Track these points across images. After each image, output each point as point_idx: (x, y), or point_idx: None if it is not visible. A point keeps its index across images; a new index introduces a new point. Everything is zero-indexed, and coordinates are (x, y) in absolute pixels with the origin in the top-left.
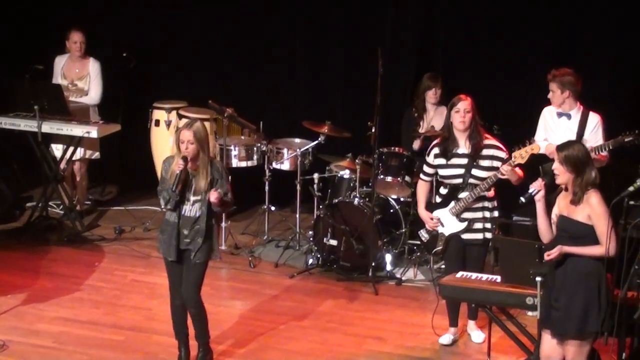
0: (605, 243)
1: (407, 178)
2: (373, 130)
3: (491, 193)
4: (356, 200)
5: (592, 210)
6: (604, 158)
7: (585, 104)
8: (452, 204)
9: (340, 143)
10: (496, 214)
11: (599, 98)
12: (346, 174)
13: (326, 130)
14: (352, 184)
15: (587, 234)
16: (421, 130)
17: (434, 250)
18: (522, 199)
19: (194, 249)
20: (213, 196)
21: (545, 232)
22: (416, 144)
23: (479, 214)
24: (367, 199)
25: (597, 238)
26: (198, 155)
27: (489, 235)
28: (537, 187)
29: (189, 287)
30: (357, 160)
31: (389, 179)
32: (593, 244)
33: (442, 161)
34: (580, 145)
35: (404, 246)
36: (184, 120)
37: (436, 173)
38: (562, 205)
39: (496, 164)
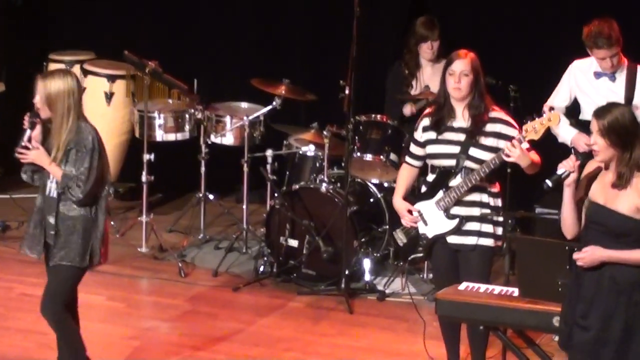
0: None
1: (392, 156)
2: (347, 91)
3: (495, 186)
4: (324, 186)
5: None
6: None
7: (630, 57)
8: (440, 193)
9: (302, 109)
10: (499, 216)
11: None
12: (310, 150)
13: (283, 92)
14: (318, 164)
15: (630, 231)
16: (413, 92)
17: (412, 257)
18: (548, 183)
19: (53, 245)
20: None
21: (571, 226)
22: (407, 109)
23: (474, 211)
24: (338, 185)
25: None
26: (50, 117)
27: (485, 242)
28: (568, 168)
29: (45, 295)
30: (325, 132)
31: (369, 157)
32: (637, 245)
33: (432, 135)
34: (627, 110)
35: (388, 248)
36: (91, 78)
37: (426, 156)
38: (597, 189)
39: (502, 144)
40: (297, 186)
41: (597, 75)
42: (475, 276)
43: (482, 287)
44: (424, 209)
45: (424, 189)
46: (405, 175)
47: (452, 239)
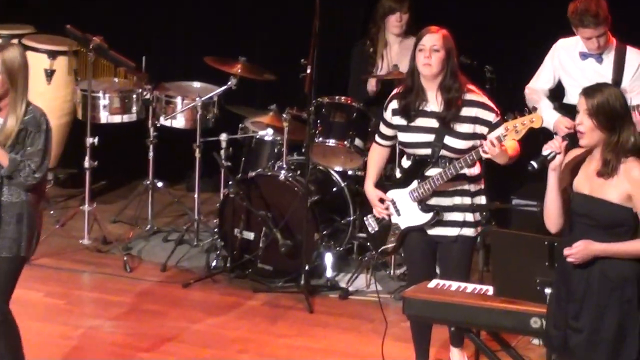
0: None
1: (357, 142)
2: (308, 71)
3: (474, 169)
4: (282, 174)
5: (635, 185)
6: None
7: (619, 37)
8: (415, 184)
9: (259, 89)
10: (482, 200)
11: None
12: (268, 134)
13: (239, 71)
14: (276, 150)
15: (622, 221)
16: (379, 72)
17: (382, 248)
18: (534, 164)
19: None
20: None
21: (554, 217)
22: (370, 86)
23: (454, 200)
24: (298, 172)
25: (636, 227)
26: (7, 93)
27: (468, 231)
28: (554, 149)
29: None
30: (284, 115)
31: (332, 142)
32: (628, 236)
33: (402, 121)
34: (616, 91)
35: (352, 242)
36: (30, 54)
37: (398, 142)
38: (581, 179)
39: (480, 129)
40: (253, 173)
41: (583, 55)
42: (456, 268)
43: (454, 284)
44: (397, 198)
45: (398, 174)
46: (375, 158)
47: (433, 230)
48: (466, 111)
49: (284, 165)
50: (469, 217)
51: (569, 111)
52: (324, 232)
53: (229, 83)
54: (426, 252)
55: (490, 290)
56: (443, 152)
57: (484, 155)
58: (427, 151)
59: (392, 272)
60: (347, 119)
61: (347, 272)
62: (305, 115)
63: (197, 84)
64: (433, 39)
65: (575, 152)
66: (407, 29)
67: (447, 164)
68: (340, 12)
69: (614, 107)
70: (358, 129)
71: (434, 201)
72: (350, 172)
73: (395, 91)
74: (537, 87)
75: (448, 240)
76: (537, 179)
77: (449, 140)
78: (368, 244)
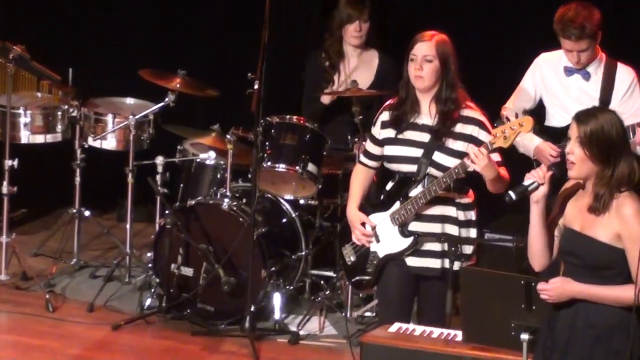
0: (636, 280)
1: (310, 167)
2: (256, 86)
3: (466, 196)
4: (226, 203)
5: (625, 225)
6: None
7: (609, 53)
8: (397, 205)
9: (201, 107)
10: (471, 232)
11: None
12: (210, 158)
13: (178, 86)
14: (219, 175)
15: (610, 263)
16: (336, 87)
17: (356, 278)
18: (512, 195)
19: None
20: None
21: (538, 255)
22: (325, 98)
23: (436, 227)
24: (244, 201)
25: (628, 271)
26: None
27: (455, 266)
28: (536, 179)
29: None
30: (228, 136)
31: (282, 167)
32: (619, 280)
33: (390, 133)
34: (613, 117)
35: (304, 280)
36: None
37: (383, 157)
38: (573, 213)
39: (473, 149)
40: (193, 202)
41: (568, 71)
42: (438, 310)
43: (419, 329)
44: (378, 222)
45: (382, 198)
46: (359, 179)
47: (412, 261)
48: (462, 128)
49: (228, 193)
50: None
51: (552, 135)
52: (272, 269)
53: (167, 99)
54: (404, 289)
55: (459, 335)
56: (430, 170)
57: (470, 167)
58: (413, 168)
59: (348, 313)
60: (299, 141)
61: (297, 313)
62: (252, 137)
63: (130, 101)
64: (425, 47)
65: (569, 183)
66: (368, 39)
67: (431, 183)
68: (293, 21)
69: (610, 135)
70: (311, 153)
71: (414, 226)
72: (302, 202)
73: (387, 102)
74: (516, 108)
75: (430, 274)
76: (513, 210)
77: (438, 156)
78: (341, 274)
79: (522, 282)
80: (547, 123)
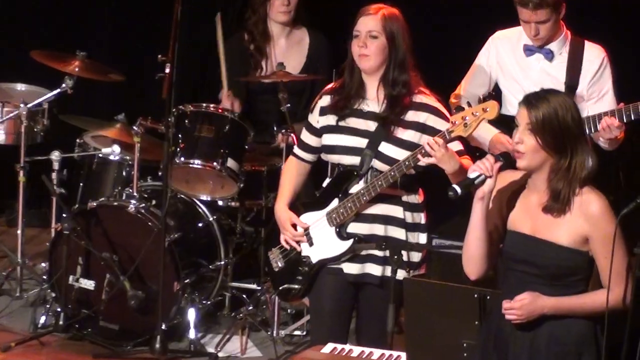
0: (608, 285)
1: (230, 163)
2: (167, 70)
3: (414, 196)
4: (132, 205)
5: (594, 225)
6: (618, 131)
7: (574, 30)
8: (335, 202)
9: (103, 94)
10: (421, 238)
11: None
12: (114, 153)
13: (77, 70)
14: (125, 173)
15: (575, 269)
16: (262, 73)
17: (284, 287)
18: (457, 189)
19: None
20: None
21: (476, 260)
22: (225, 101)
23: (378, 228)
24: (153, 202)
25: (590, 275)
26: None
27: (398, 273)
28: (484, 171)
29: None
30: (135, 128)
31: (197, 164)
32: (582, 286)
33: (331, 120)
34: (566, 100)
35: (223, 293)
36: None
37: (321, 148)
38: (519, 214)
39: (426, 140)
40: (94, 204)
41: (529, 50)
42: (379, 326)
43: (356, 349)
44: (312, 223)
45: (317, 195)
46: (291, 173)
47: (349, 268)
48: (413, 115)
49: (135, 194)
50: (405, 255)
51: (509, 125)
52: (187, 281)
53: (64, 85)
54: (341, 301)
55: (402, 357)
56: (375, 163)
57: (425, 160)
58: (356, 160)
59: (274, 332)
60: (218, 133)
61: (216, 332)
62: (162, 128)
63: (21, 87)
64: (370, 22)
65: (511, 176)
66: (297, 15)
67: (376, 177)
68: None
69: (565, 121)
70: (232, 146)
71: (354, 227)
72: (221, 203)
73: (329, 86)
74: (467, 94)
75: (370, 281)
76: (464, 212)
77: (385, 147)
78: (266, 283)
79: (476, 295)
80: (504, 111)
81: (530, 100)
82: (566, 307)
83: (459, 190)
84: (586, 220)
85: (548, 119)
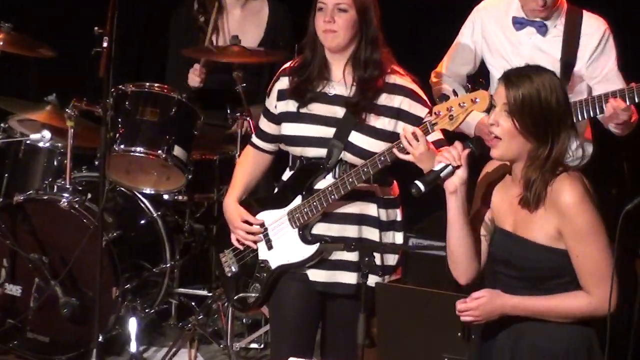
0: (611, 288)
1: (177, 151)
2: (105, 44)
3: (390, 190)
4: (65, 199)
5: (565, 217)
6: (627, 114)
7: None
8: (297, 201)
9: (31, 72)
10: (397, 237)
11: None
12: (44, 139)
13: (1, 43)
14: (56, 162)
15: (556, 271)
16: (215, 44)
17: (239, 296)
18: (419, 185)
19: None
20: None
21: (462, 262)
22: (194, 77)
23: (350, 230)
24: (89, 196)
25: (577, 278)
26: None
27: (370, 279)
28: (450, 160)
29: None
30: (68, 111)
31: (139, 151)
32: (573, 289)
33: (291, 106)
34: (551, 78)
35: (169, 300)
36: None
37: (282, 137)
38: (502, 208)
39: (402, 127)
40: (21, 197)
41: (519, 24)
42: (349, 339)
43: None
44: (270, 223)
45: (275, 191)
46: (247, 164)
47: (317, 275)
48: (387, 99)
49: (68, 186)
50: (378, 258)
51: None
52: (127, 286)
53: None
54: (305, 311)
55: None
56: (345, 155)
57: (402, 156)
58: (322, 152)
59: (229, 344)
60: (163, 117)
61: (160, 345)
62: (99, 111)
63: None
64: None
65: (495, 164)
66: None
67: (347, 171)
68: None
69: (548, 103)
70: (179, 132)
71: (320, 228)
72: (166, 197)
73: (286, 65)
74: (450, 73)
75: (340, 291)
76: (443, 207)
77: (356, 137)
78: (218, 291)
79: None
80: (492, 92)
81: (510, 78)
82: (530, 308)
83: (422, 186)
84: (556, 212)
85: (528, 100)
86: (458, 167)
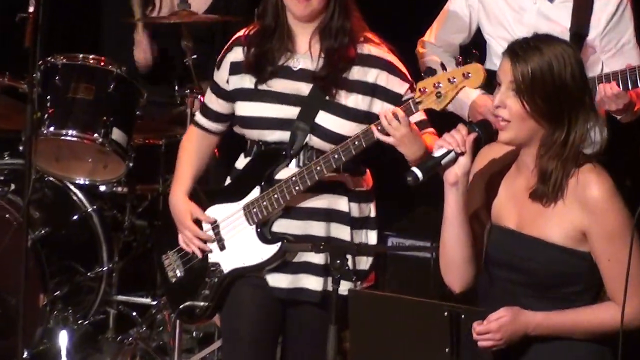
0: (624, 298)
1: (116, 134)
2: (31, 9)
3: (362, 181)
4: None
5: (593, 215)
6: (622, 101)
7: None
8: (255, 193)
9: None
10: (370, 236)
11: None
12: None
13: None
14: None
15: (574, 277)
16: (155, 12)
17: (185, 304)
18: (417, 173)
19: None
20: None
21: (457, 265)
22: (140, 50)
23: (317, 227)
24: (12, 187)
25: (597, 286)
26: None
27: (342, 284)
28: (452, 146)
29: None
30: None
31: (72, 135)
32: (586, 301)
33: (247, 81)
34: (564, 50)
35: (106, 309)
36: None
37: (236, 118)
38: (503, 202)
39: (380, 107)
40: None
41: None
42: (315, 351)
43: None
44: (222, 219)
45: (228, 181)
46: (192, 149)
47: (277, 280)
48: (360, 72)
49: None
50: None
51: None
52: (57, 293)
53: None
54: (263, 322)
55: None
56: (311, 140)
57: (382, 138)
58: (284, 136)
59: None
60: (99, 95)
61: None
62: (24, 87)
63: None
64: None
65: (499, 150)
66: None
67: (313, 157)
68: None
69: (562, 79)
70: (118, 112)
71: (282, 225)
72: (103, 188)
73: (240, 33)
74: (439, 42)
75: (304, 298)
76: (430, 200)
77: (324, 118)
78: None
79: (446, 312)
80: (489, 65)
81: (516, 51)
82: (558, 325)
83: (419, 174)
84: (582, 208)
85: (540, 76)
86: (461, 154)
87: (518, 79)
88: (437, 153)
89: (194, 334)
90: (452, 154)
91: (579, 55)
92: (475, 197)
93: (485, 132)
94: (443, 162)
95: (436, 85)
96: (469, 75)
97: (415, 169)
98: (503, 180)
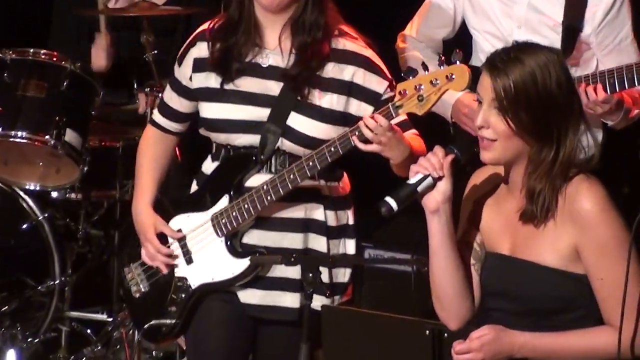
0: (621, 321)
1: (70, 135)
2: None
3: (338, 186)
4: None
5: (586, 228)
6: (607, 106)
7: None
8: (224, 202)
9: None
10: (348, 245)
11: None
12: None
13: None
14: None
15: (570, 302)
16: (113, 4)
17: (151, 323)
18: (391, 204)
19: None
20: None
21: (450, 298)
22: (100, 53)
23: (293, 239)
24: None
25: (598, 311)
26: None
27: (315, 299)
28: (429, 170)
29: None
30: None
31: (22, 136)
32: (585, 322)
33: (212, 80)
34: (549, 55)
35: (58, 327)
36: None
37: (201, 120)
38: (494, 227)
39: (357, 107)
40: None
41: None
42: None
43: None
44: (188, 231)
45: (194, 188)
46: (152, 153)
47: (248, 296)
48: (335, 70)
49: None
50: (325, 273)
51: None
52: (4, 309)
53: None
54: (233, 342)
55: None
56: (283, 143)
57: (362, 146)
58: (254, 139)
59: None
60: (52, 93)
61: None
62: None
63: None
64: None
65: (488, 173)
66: None
67: (286, 163)
68: None
69: (547, 90)
70: (72, 112)
71: (254, 237)
72: (55, 194)
73: (204, 27)
74: (421, 37)
75: (281, 318)
76: (411, 210)
77: (296, 120)
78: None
79: (428, 331)
80: (475, 62)
81: (496, 64)
82: (546, 346)
83: (393, 204)
84: (573, 223)
85: (523, 88)
86: (440, 178)
87: (500, 94)
88: (412, 180)
89: (154, 353)
90: (429, 179)
91: (564, 61)
92: (470, 226)
93: (464, 152)
94: (419, 188)
95: (417, 87)
96: (453, 77)
97: (389, 199)
98: (493, 203)
